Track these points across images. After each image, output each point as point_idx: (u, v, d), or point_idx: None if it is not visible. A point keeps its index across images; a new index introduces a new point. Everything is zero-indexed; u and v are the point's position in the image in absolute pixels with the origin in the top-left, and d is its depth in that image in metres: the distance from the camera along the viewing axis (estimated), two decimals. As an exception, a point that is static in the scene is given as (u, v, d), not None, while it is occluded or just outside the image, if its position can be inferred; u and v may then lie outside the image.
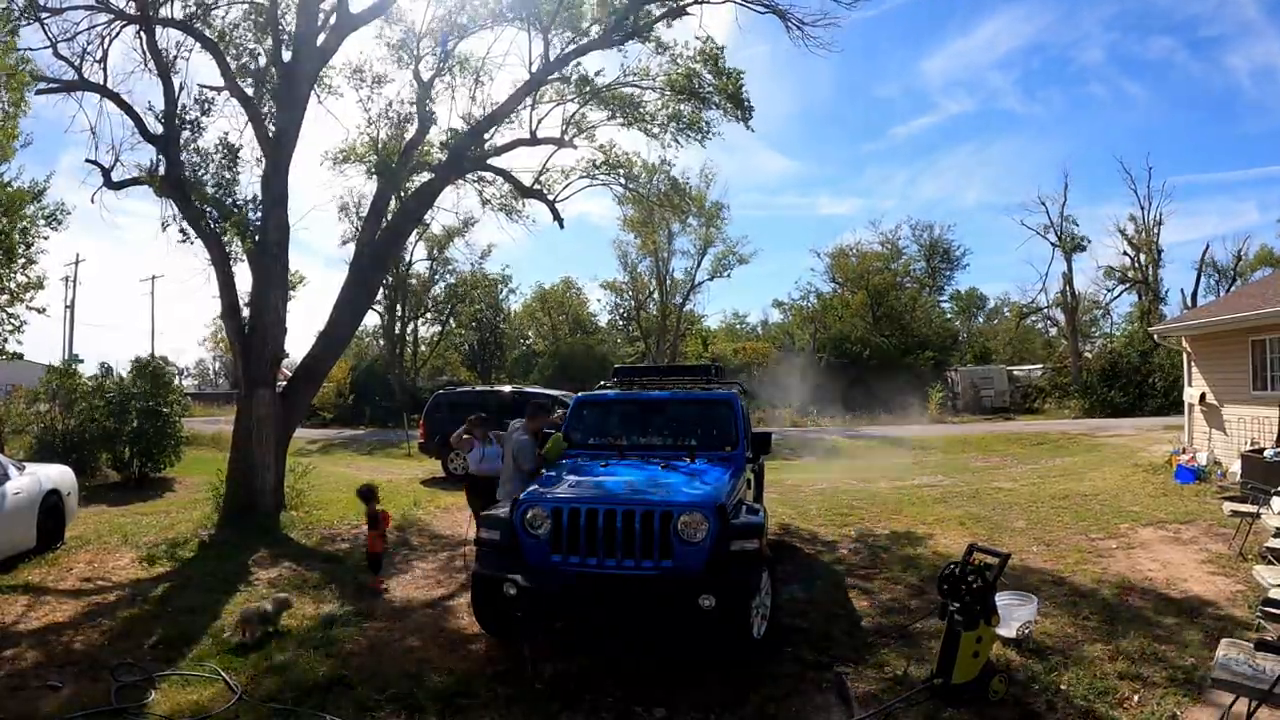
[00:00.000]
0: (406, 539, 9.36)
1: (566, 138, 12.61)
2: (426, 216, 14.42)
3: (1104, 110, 71.89)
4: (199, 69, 41.06)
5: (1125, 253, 39.76)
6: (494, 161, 12.54)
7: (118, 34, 11.00)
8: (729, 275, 40.73)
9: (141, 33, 10.73)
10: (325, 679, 4.95)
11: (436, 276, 41.07)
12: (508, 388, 19.17)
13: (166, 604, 6.70)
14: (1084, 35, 70.78)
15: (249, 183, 11.04)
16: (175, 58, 10.91)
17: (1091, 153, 72.14)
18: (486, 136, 12.21)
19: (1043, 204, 39.40)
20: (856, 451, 21.42)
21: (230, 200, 10.58)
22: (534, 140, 12.48)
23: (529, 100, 12.12)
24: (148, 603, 6.75)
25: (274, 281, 10.22)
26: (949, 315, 50.48)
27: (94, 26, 10.82)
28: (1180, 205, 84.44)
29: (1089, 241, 39.22)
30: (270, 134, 10.45)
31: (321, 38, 10.62)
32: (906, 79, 78.31)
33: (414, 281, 39.71)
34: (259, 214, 10.40)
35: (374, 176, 11.76)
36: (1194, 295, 39.12)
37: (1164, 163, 73.73)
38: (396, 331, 39.40)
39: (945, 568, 4.73)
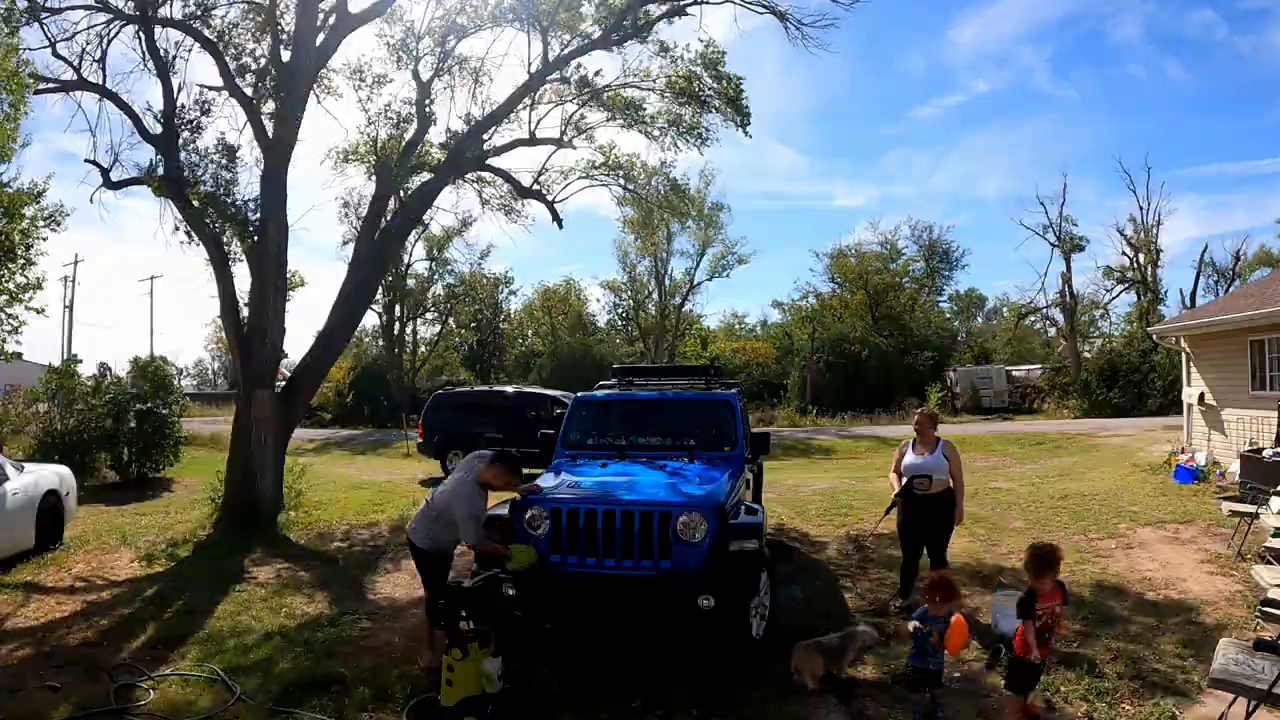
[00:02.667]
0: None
1: (566, 138, 12.60)
2: (426, 217, 14.41)
3: (1138, 92, 68.63)
4: (198, 69, 41.15)
5: (1124, 253, 39.85)
6: (493, 162, 12.52)
7: (117, 34, 10.98)
8: (728, 275, 40.83)
9: (141, 33, 10.71)
10: (323, 679, 4.95)
11: (436, 277, 41.11)
12: (511, 388, 19.11)
13: (165, 604, 6.70)
14: (1120, 7, 67.64)
15: (248, 183, 11.05)
16: (174, 58, 10.90)
17: (1122, 137, 68.11)
18: (486, 137, 12.20)
19: (1042, 204, 39.47)
20: (855, 452, 21.41)
21: (229, 200, 10.57)
22: (533, 141, 12.48)
23: (528, 101, 12.11)
24: (146, 603, 6.75)
25: (273, 282, 10.21)
26: (948, 315, 50.50)
27: (93, 26, 10.82)
28: (1211, 198, 76.50)
29: (1087, 241, 39.23)
30: (269, 134, 10.44)
31: (321, 38, 10.61)
32: (932, 50, 74.42)
33: (413, 282, 39.71)
34: (258, 214, 10.39)
35: (373, 177, 11.76)
36: (1193, 295, 39.17)
37: (1197, 150, 68.26)
38: (396, 332, 39.39)
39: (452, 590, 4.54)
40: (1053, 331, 44.27)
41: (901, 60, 75.90)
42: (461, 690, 4.17)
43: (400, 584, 7.40)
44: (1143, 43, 68.72)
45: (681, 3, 11.59)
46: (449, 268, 41.09)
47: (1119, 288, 40.77)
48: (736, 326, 53.36)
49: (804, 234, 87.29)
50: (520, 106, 12.06)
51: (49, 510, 8.51)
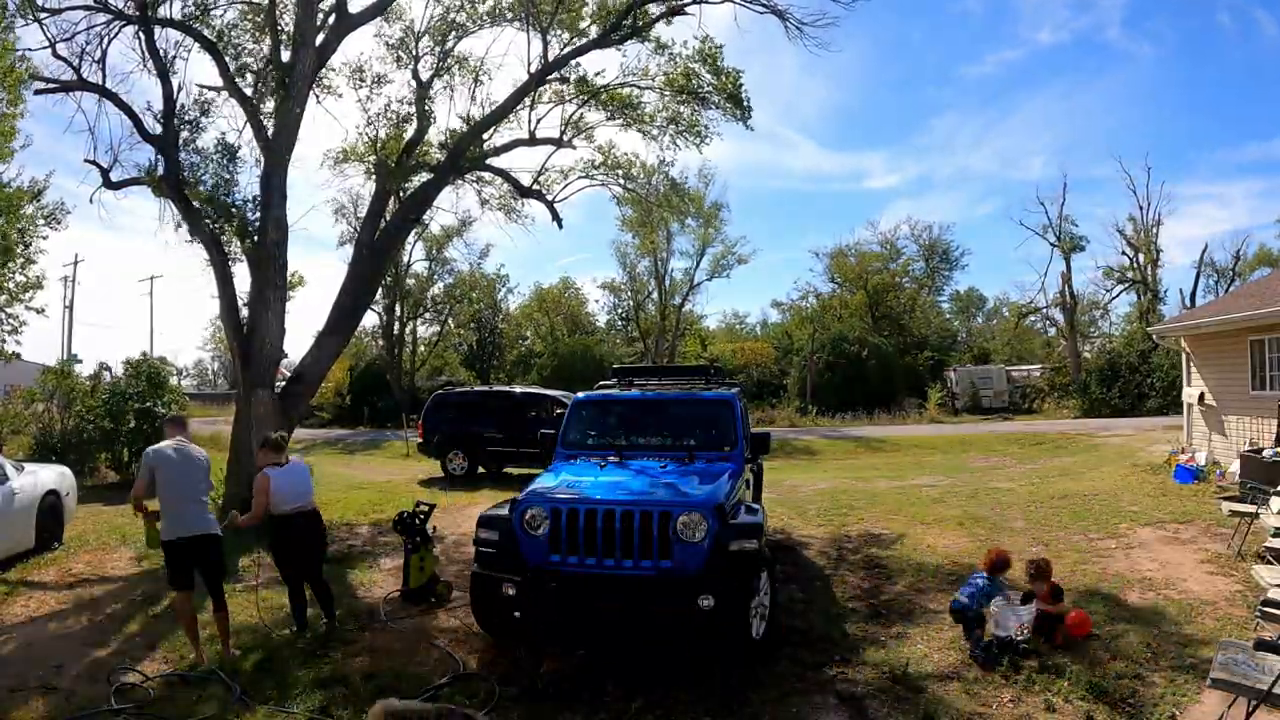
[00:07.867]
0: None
1: (565, 138, 12.60)
2: (425, 216, 14.41)
3: (1221, 47, 62.84)
4: (198, 69, 41.15)
5: (1124, 252, 39.86)
6: (493, 161, 12.53)
7: (116, 34, 10.99)
8: (728, 276, 40.77)
9: (140, 33, 10.72)
10: (323, 679, 4.94)
11: (435, 276, 41.09)
12: (519, 388, 18.91)
13: (164, 604, 6.69)
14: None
15: (248, 183, 11.07)
16: (174, 58, 10.93)
17: (1179, 111, 63.05)
18: (485, 136, 12.21)
19: (1041, 204, 39.51)
20: (854, 452, 21.41)
21: (229, 200, 10.57)
22: (533, 140, 12.48)
23: (528, 100, 12.11)
24: (146, 603, 6.75)
25: (272, 282, 10.21)
26: (948, 315, 50.50)
27: (93, 27, 10.83)
28: (1272, 181, 69.23)
29: (1087, 241, 39.33)
30: (269, 134, 10.45)
31: (320, 37, 10.62)
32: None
33: (412, 282, 39.70)
34: (257, 214, 10.39)
35: (373, 176, 11.76)
36: (1193, 295, 39.14)
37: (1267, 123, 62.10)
38: (395, 332, 39.37)
39: (399, 513, 6.98)
40: (1053, 331, 44.27)
41: (959, 3, 71.45)
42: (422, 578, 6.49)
43: (397, 583, 7.38)
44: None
45: (681, 2, 11.59)
46: (448, 267, 41.14)
47: (1119, 288, 40.84)
48: (737, 326, 53.35)
49: (833, 219, 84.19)
50: (520, 106, 12.07)
51: (49, 510, 8.52)
